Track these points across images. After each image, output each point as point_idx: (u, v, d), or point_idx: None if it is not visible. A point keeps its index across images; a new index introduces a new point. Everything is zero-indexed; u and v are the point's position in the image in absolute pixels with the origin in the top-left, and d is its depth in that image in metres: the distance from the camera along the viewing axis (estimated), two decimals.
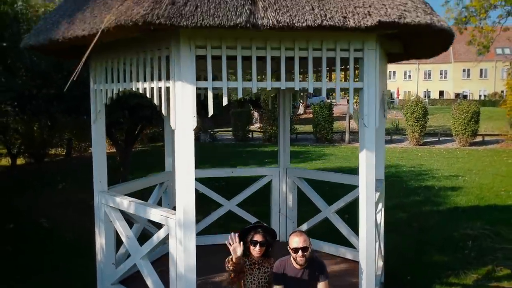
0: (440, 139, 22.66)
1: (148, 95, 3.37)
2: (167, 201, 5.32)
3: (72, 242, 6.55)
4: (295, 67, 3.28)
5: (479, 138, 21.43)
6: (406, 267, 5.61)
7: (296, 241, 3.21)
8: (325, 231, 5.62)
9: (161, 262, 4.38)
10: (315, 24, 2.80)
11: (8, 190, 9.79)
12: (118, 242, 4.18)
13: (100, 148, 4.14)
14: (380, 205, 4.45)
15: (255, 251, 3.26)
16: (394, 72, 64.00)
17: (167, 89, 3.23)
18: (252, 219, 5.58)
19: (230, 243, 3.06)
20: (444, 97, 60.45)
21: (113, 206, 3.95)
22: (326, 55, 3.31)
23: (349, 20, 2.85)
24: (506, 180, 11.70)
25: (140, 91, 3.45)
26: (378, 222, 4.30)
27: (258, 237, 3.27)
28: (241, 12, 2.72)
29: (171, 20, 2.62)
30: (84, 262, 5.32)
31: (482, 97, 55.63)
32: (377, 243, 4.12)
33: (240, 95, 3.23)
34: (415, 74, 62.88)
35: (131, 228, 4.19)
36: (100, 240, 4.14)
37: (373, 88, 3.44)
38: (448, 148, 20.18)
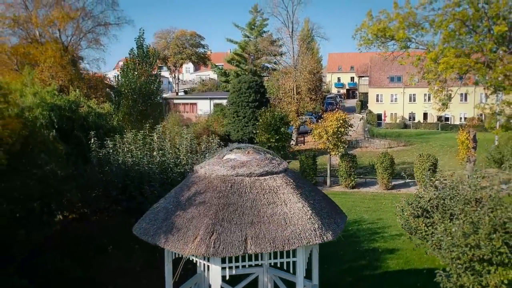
0: (407, 180, 26.78)
1: (198, 264, 7.43)
2: None
3: None
4: (265, 257, 7.36)
5: None
6: None
7: None
8: None
9: None
10: (272, 250, 6.86)
11: (77, 260, 13.77)
12: None
13: (169, 277, 8.16)
14: None
15: None
16: (381, 95, 68.62)
17: (208, 266, 7.29)
18: None
19: None
20: (428, 120, 65.07)
21: None
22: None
23: (284, 246, 6.92)
24: None
25: (194, 261, 7.51)
26: None
27: None
28: (240, 248, 6.78)
29: (213, 255, 6.70)
30: None
31: (463, 120, 60.26)
32: None
33: (240, 269, 7.31)
34: (401, 97, 67.43)
35: None
36: None
37: (301, 258, 7.50)
38: (410, 194, 24.25)
